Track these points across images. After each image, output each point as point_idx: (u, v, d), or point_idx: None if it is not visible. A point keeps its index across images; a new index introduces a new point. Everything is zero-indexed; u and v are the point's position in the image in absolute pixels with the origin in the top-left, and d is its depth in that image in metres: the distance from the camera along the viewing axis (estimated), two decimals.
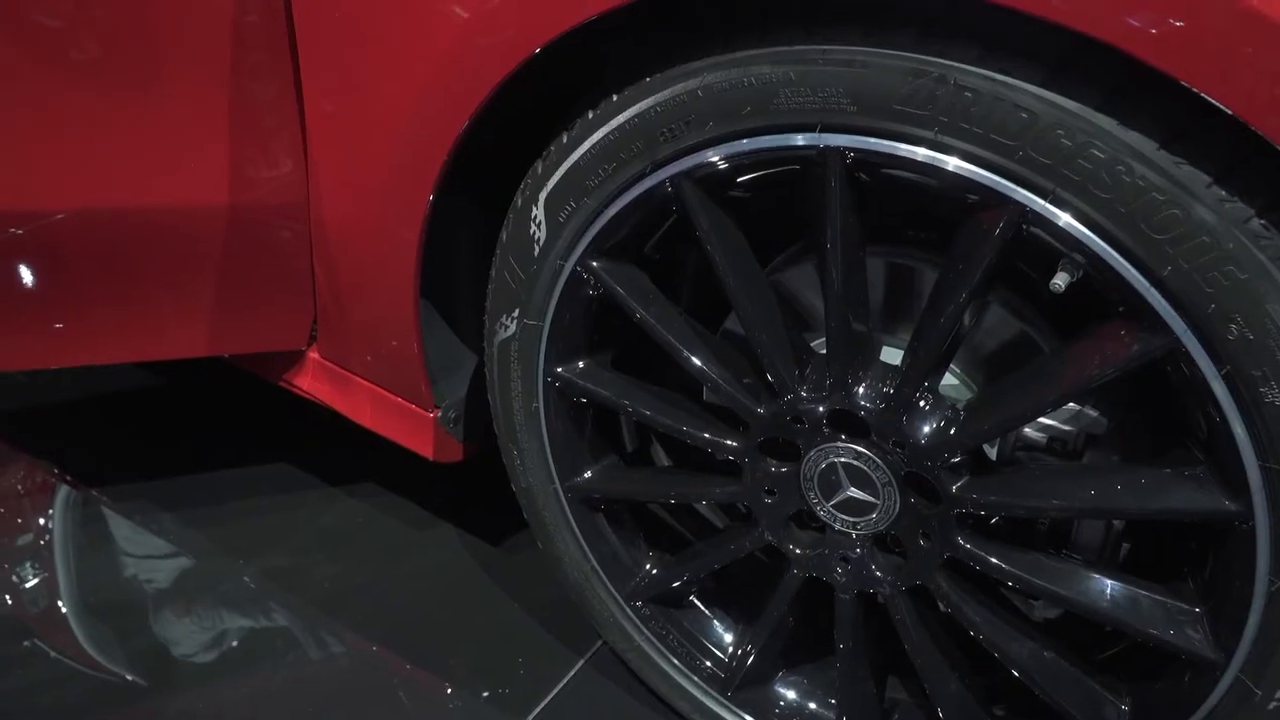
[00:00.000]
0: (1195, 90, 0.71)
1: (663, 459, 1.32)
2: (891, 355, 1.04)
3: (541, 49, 0.94)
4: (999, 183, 0.83)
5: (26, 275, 1.25)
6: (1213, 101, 0.70)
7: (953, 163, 0.83)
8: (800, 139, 0.90)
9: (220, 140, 1.16)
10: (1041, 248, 0.85)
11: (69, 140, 1.17)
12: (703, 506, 1.34)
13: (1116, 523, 1.03)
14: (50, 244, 1.22)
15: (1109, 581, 0.96)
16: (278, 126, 1.16)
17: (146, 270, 1.26)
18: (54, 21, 1.11)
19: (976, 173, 0.83)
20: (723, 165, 0.95)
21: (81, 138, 1.17)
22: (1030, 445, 1.03)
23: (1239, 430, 0.81)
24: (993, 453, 1.04)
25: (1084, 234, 0.81)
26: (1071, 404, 0.99)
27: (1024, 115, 0.79)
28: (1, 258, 1.21)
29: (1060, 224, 0.81)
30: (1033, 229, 0.83)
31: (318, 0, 1.08)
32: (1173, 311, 0.80)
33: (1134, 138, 0.77)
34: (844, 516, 1.05)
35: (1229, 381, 0.80)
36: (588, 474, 1.22)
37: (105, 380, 1.84)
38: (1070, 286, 0.84)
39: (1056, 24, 0.73)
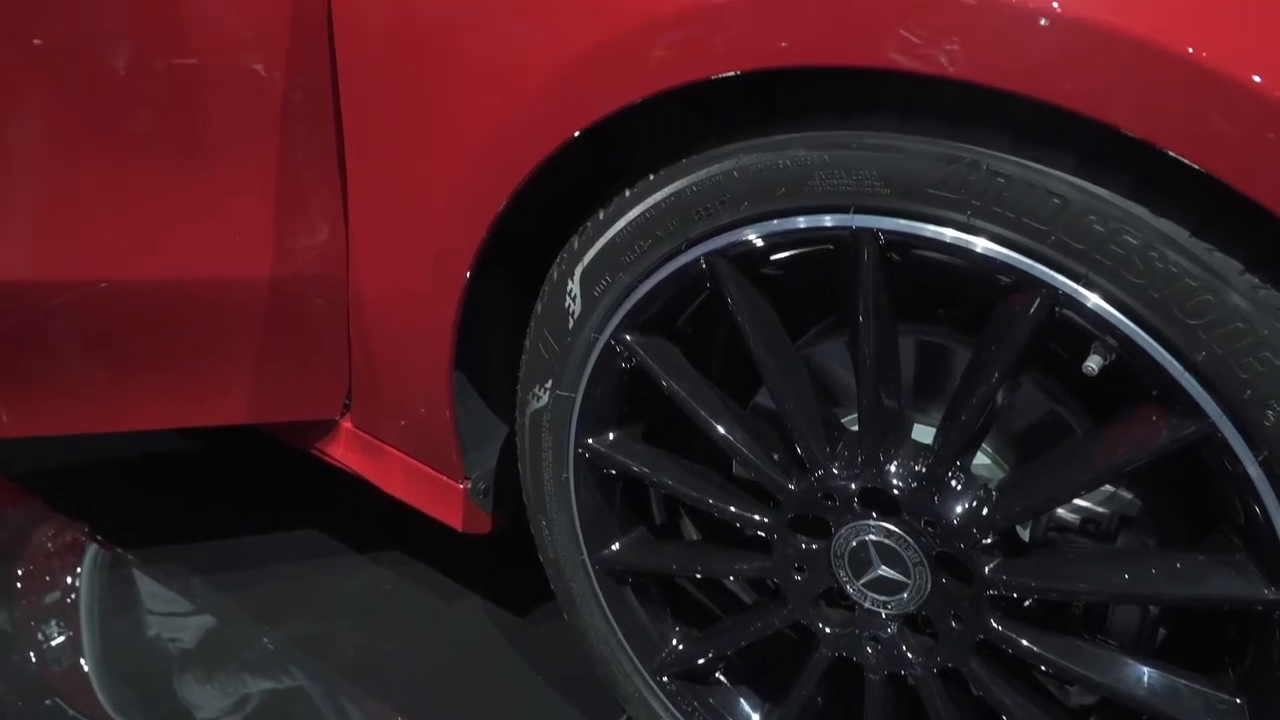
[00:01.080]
0: (1224, 181, 0.72)
1: (691, 533, 1.32)
2: (923, 433, 1.04)
3: (580, 132, 0.96)
4: (1032, 266, 0.83)
5: (74, 342, 1.28)
6: (1242, 193, 0.71)
7: (986, 245, 0.84)
8: (834, 220, 0.91)
9: (266, 213, 1.19)
10: (1074, 329, 0.85)
11: (117, 210, 1.20)
12: (731, 582, 1.33)
13: (1153, 608, 1.02)
14: (97, 312, 1.25)
15: (1146, 668, 0.95)
16: (321, 201, 1.19)
17: (190, 339, 1.29)
18: (110, 94, 1.15)
19: (1009, 256, 0.84)
20: (757, 244, 0.96)
21: (129, 208, 1.20)
22: (1063, 526, 1.02)
23: (1278, 517, 0.80)
24: (1025, 534, 1.03)
25: (1117, 318, 0.81)
26: (1106, 485, 0.99)
27: (1056, 201, 0.81)
28: (50, 325, 1.24)
29: (1092, 307, 0.82)
30: (1065, 311, 0.84)
31: (363, 81, 1.11)
32: (1207, 396, 0.79)
33: (1166, 225, 0.78)
34: (874, 595, 1.05)
35: (1266, 468, 0.79)
36: (616, 546, 1.22)
37: (136, 442, 1.86)
38: (1103, 369, 0.85)
39: (1085, 116, 0.75)
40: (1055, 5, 0.74)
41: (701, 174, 0.96)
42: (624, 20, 0.91)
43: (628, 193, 1.02)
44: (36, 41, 1.10)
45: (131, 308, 1.25)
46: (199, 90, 1.15)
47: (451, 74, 1.05)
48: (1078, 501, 1.00)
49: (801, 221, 0.93)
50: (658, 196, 0.99)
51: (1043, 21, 0.74)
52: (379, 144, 1.13)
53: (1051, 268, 0.83)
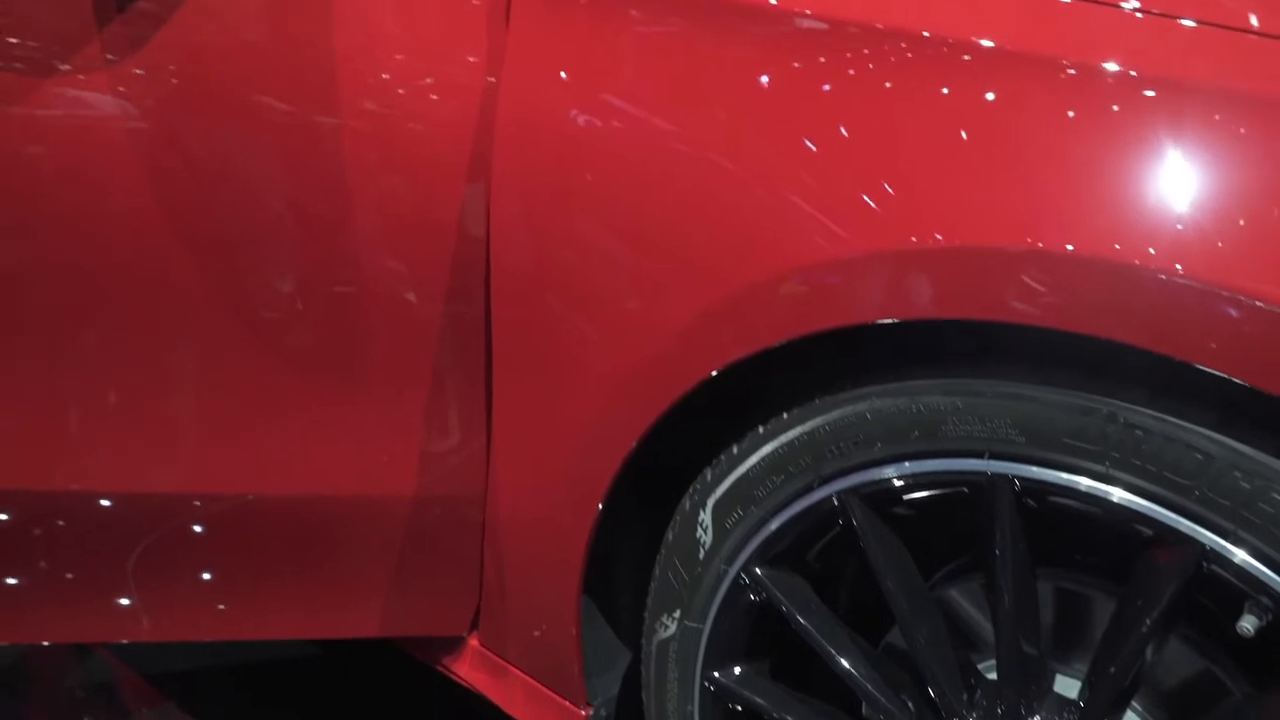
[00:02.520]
0: None
1: None
2: (1067, 686, 1.00)
3: (716, 372, 1.01)
4: (1175, 519, 0.83)
5: (216, 551, 1.34)
6: None
7: (1124, 496, 0.84)
8: (967, 464, 0.92)
9: (414, 433, 1.26)
10: (1225, 584, 0.83)
11: (273, 425, 1.28)
12: None
13: None
14: (241, 523, 1.31)
15: None
16: (466, 424, 1.25)
17: (327, 551, 1.34)
18: (275, 315, 1.24)
19: (1151, 508, 0.83)
20: (890, 483, 0.97)
21: (285, 424, 1.28)
22: None
23: None
24: None
25: (1269, 577, 0.79)
26: None
27: (1198, 456, 0.80)
28: (196, 534, 1.30)
29: (1240, 563, 0.80)
30: (1213, 567, 0.82)
31: (513, 316, 1.19)
32: None
33: None
34: None
35: None
36: None
37: (258, 649, 1.90)
38: (1260, 629, 0.82)
39: (1223, 375, 0.76)
40: (1178, 267, 0.76)
41: (835, 414, 0.99)
42: (765, 267, 0.97)
43: (761, 429, 1.05)
44: (217, 266, 1.21)
45: (274, 519, 1.32)
46: (359, 315, 1.24)
47: (592, 313, 1.12)
48: None
49: (936, 464, 0.94)
50: (791, 434, 1.02)
51: (1171, 282, 0.76)
52: (523, 375, 1.20)
53: (1196, 522, 0.82)
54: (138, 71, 1.10)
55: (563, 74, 1.10)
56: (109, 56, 1.08)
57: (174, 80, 1.11)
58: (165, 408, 1.26)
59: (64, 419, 1.25)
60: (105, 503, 1.29)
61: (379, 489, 1.30)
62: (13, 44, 1.09)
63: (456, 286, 1.20)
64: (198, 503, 1.31)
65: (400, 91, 1.15)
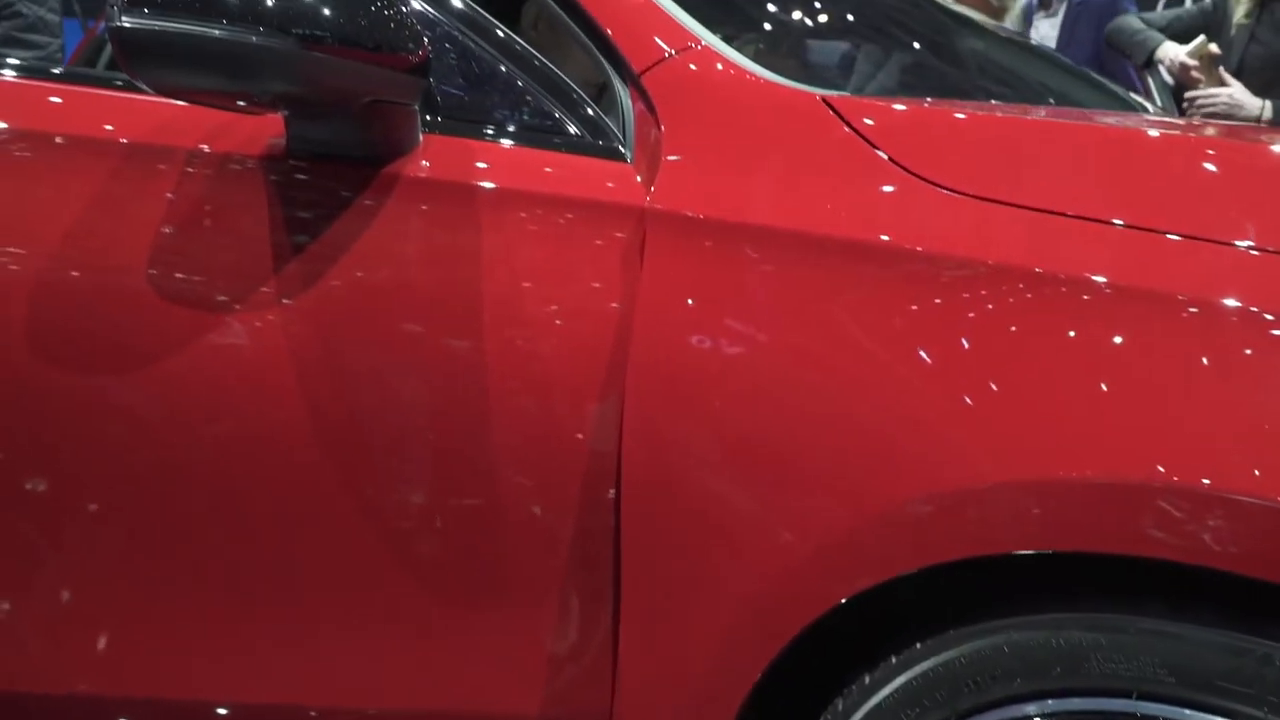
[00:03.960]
0: None
1: None
2: None
3: (845, 600, 1.01)
4: None
5: None
6: None
7: None
8: (1115, 704, 0.89)
9: (539, 651, 1.27)
10: None
11: (388, 636, 1.30)
12: None
13: None
14: None
15: None
16: (593, 644, 1.25)
17: None
18: (405, 523, 1.28)
19: None
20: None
21: (401, 635, 1.29)
22: None
23: None
24: None
25: None
26: None
27: None
28: None
29: None
30: None
31: (642, 534, 1.21)
32: None
33: None
34: None
35: None
36: None
37: None
38: None
39: None
40: None
41: (970, 646, 0.98)
42: (896, 494, 0.98)
43: (894, 659, 1.04)
44: (359, 478, 1.27)
45: None
46: (488, 529, 1.27)
47: (720, 532, 1.13)
48: None
49: (1080, 703, 0.91)
50: (925, 666, 1.01)
51: None
52: (650, 595, 1.21)
53: None
54: (306, 304, 1.20)
55: (690, 300, 1.16)
56: (283, 292, 1.19)
57: (336, 311, 1.21)
58: (289, 614, 1.30)
59: (198, 625, 1.30)
60: (222, 711, 1.32)
61: (501, 707, 1.30)
62: (197, 280, 1.21)
63: (586, 502, 1.23)
64: (313, 713, 1.32)
65: (539, 319, 1.23)
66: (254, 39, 1.03)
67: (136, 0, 1.03)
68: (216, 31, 1.03)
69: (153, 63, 1.05)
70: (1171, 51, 3.05)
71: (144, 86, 1.09)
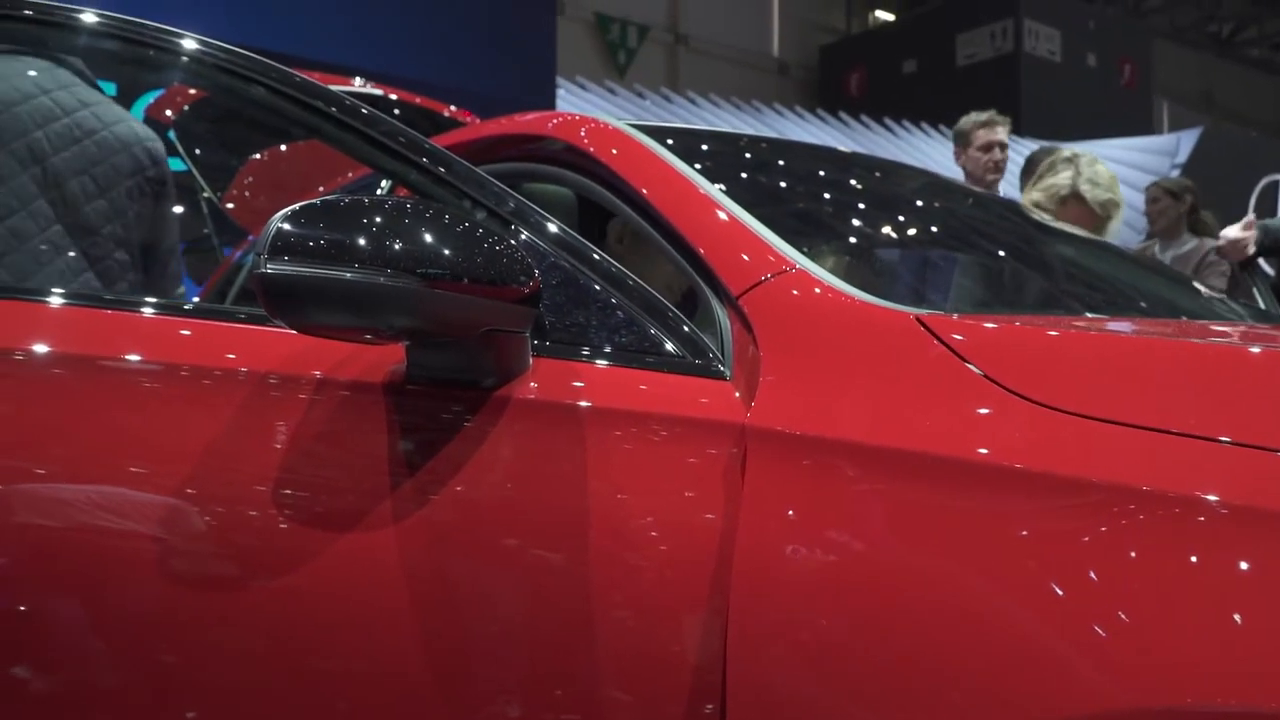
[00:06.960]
0: None
1: None
2: None
3: None
4: None
5: None
6: None
7: None
8: None
9: None
10: None
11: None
12: None
13: None
14: None
15: None
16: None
17: None
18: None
19: None
20: None
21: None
22: None
23: None
24: None
25: None
26: None
27: None
28: None
29: None
30: None
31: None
32: None
33: None
34: None
35: None
36: None
37: None
38: None
39: None
40: None
41: None
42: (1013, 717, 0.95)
43: None
44: (454, 679, 1.26)
45: None
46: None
47: None
48: None
49: None
50: None
51: None
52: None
53: None
54: (416, 518, 1.25)
55: (791, 513, 1.17)
56: (397, 509, 1.25)
57: (444, 523, 1.25)
58: None
59: None
60: None
61: None
62: (321, 500, 1.27)
63: (687, 717, 1.21)
64: None
65: (640, 533, 1.25)
66: (382, 280, 1.13)
67: (279, 249, 1.14)
68: (349, 275, 1.12)
69: (292, 304, 1.15)
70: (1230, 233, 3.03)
71: (284, 325, 1.19)
